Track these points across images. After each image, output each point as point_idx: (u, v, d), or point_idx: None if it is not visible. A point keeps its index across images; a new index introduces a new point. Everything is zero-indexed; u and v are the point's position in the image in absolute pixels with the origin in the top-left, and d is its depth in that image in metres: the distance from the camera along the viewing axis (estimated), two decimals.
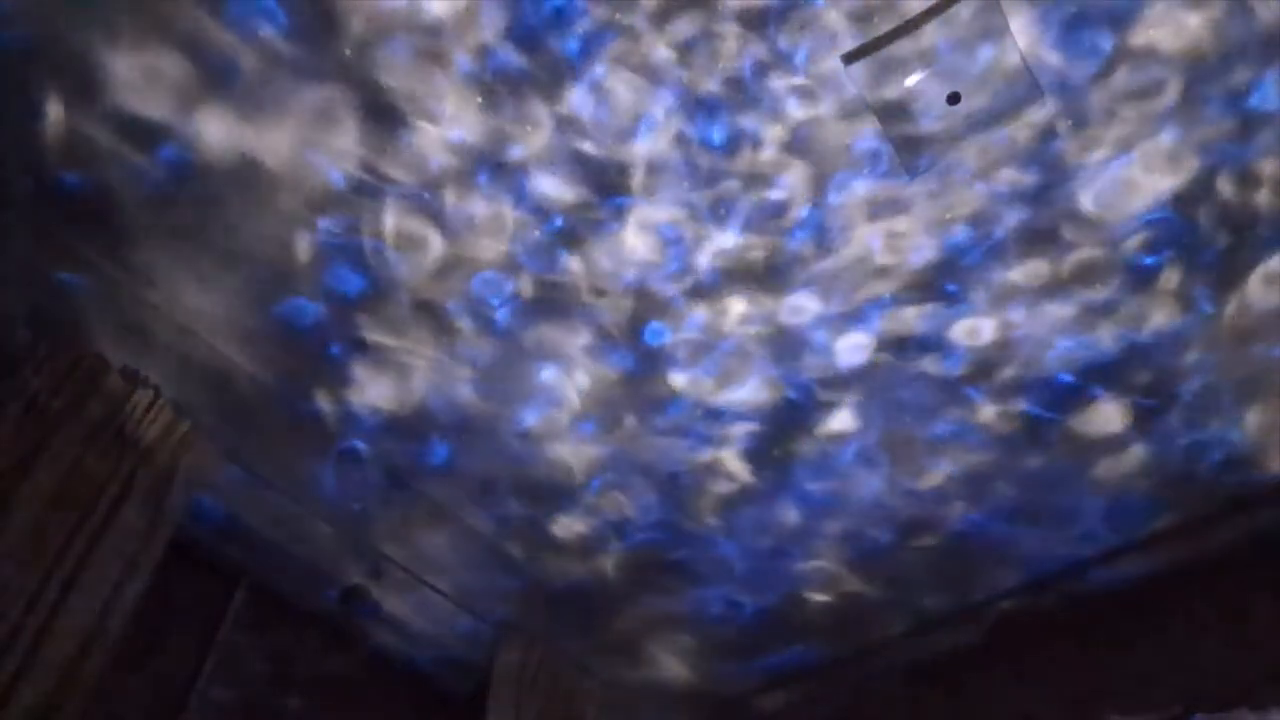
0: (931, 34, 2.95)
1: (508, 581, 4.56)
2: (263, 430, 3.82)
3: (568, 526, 4.35)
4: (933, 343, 3.69)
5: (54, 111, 2.94)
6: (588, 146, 3.22)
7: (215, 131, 3.07)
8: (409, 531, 4.29)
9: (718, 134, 3.21)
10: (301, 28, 2.91)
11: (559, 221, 3.40)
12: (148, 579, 3.17)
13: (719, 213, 3.39)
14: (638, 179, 3.31)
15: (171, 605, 3.76)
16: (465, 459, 4.06)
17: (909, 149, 3.20)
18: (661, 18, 2.97)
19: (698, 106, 3.15)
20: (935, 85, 3.07)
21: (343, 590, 4.32)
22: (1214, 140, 3.11)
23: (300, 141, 3.13)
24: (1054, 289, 3.51)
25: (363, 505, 4.13)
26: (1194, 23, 2.86)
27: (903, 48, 2.98)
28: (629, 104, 3.13)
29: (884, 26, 2.96)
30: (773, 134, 3.23)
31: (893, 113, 3.13)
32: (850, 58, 3.02)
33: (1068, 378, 3.72)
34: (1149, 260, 3.38)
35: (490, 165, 3.25)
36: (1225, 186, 3.19)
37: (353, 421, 3.87)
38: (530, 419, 3.95)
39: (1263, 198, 3.21)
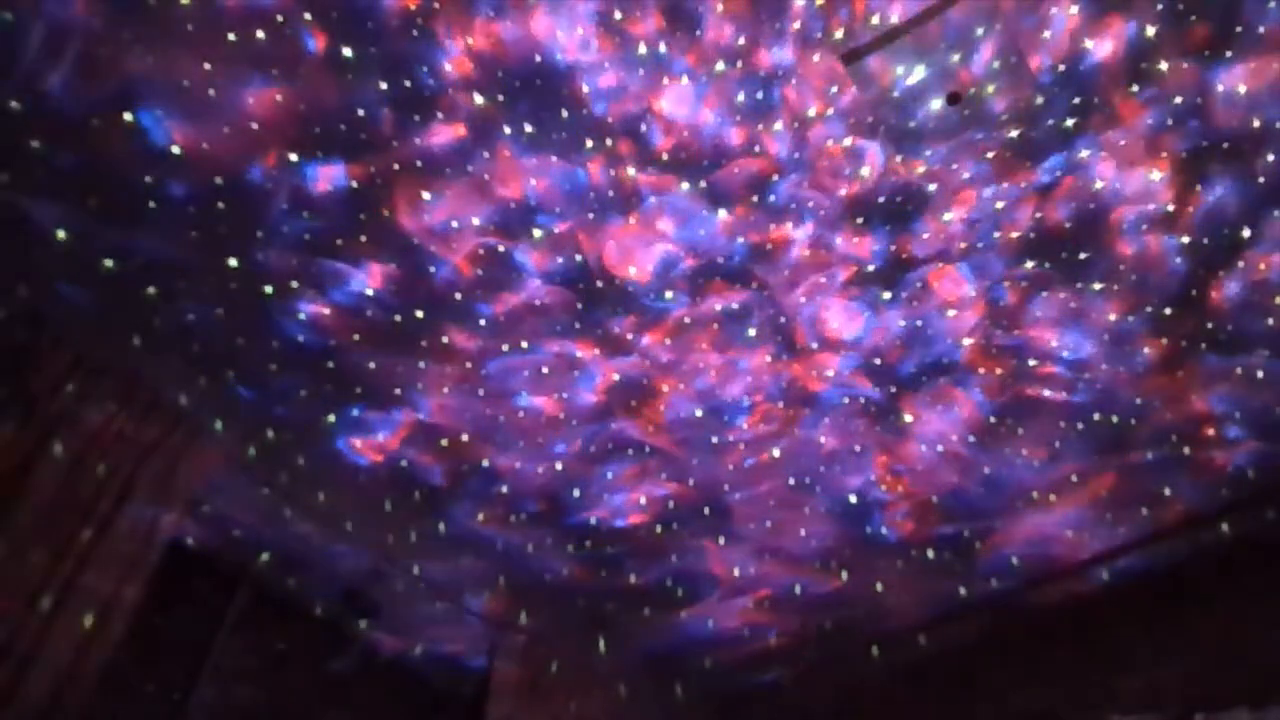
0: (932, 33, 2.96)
1: (509, 581, 4.56)
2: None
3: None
4: None
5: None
6: None
7: None
8: (411, 532, 4.29)
9: None
10: None
11: None
12: (148, 579, 3.18)
13: None
14: None
15: (171, 606, 3.76)
16: None
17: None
18: None
19: None
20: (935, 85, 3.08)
21: (344, 592, 4.32)
22: None
23: None
24: None
25: (365, 505, 4.13)
26: None
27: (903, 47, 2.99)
28: None
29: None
30: None
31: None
32: (849, 58, 3.02)
33: None
34: None
35: None
36: None
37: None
38: None
39: None
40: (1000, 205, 3.34)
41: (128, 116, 3.01)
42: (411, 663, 4.65)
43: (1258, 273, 3.40)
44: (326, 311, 3.56)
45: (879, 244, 3.47)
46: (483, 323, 3.64)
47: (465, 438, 3.99)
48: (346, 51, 2.94)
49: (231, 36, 2.88)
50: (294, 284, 3.47)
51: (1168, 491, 4.07)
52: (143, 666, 3.64)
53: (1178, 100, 3.07)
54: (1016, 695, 4.48)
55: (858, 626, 4.85)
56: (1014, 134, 3.18)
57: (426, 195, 3.28)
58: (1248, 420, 3.79)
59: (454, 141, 3.16)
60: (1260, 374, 3.65)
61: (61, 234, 3.25)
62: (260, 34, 2.88)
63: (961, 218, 3.38)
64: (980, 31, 2.97)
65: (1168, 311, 3.53)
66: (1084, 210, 3.33)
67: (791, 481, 4.21)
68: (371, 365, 3.73)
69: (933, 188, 3.32)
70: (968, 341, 3.70)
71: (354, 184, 3.23)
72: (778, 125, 3.18)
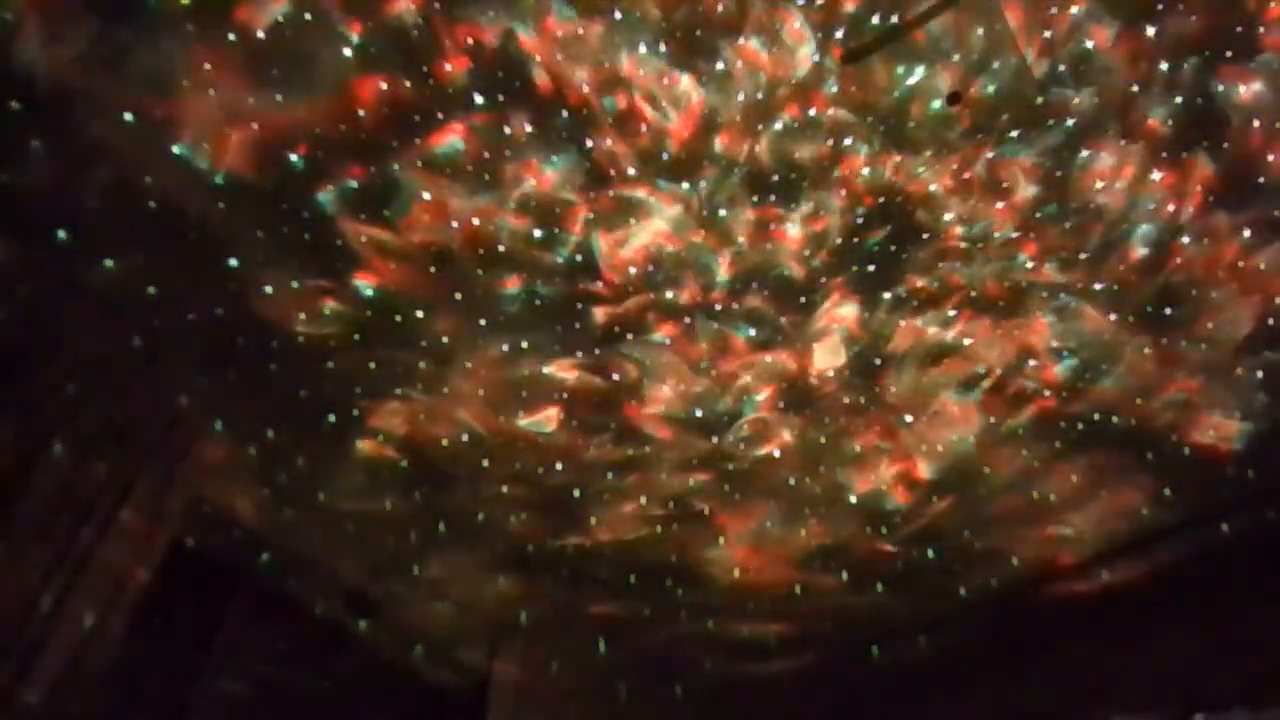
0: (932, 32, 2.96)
1: (509, 581, 4.57)
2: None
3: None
4: None
5: None
6: None
7: None
8: (411, 532, 4.29)
9: None
10: None
11: None
12: (149, 579, 3.18)
13: None
14: None
15: (172, 605, 3.76)
16: None
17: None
18: None
19: None
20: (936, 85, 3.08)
21: (344, 592, 4.32)
22: None
23: None
24: None
25: (365, 505, 4.13)
26: None
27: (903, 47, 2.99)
28: None
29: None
30: None
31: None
32: (849, 57, 3.01)
33: None
34: None
35: None
36: None
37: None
38: None
39: None
40: (1000, 205, 3.35)
41: (128, 117, 3.01)
42: (411, 663, 4.65)
43: (1257, 273, 3.40)
44: (326, 311, 3.57)
45: (878, 245, 3.47)
46: (483, 323, 3.64)
47: (465, 438, 3.99)
48: (347, 51, 2.94)
49: (231, 37, 2.88)
50: (294, 284, 3.47)
51: (1168, 492, 4.07)
52: (143, 666, 3.64)
53: (1178, 100, 3.07)
54: (1016, 695, 4.48)
55: (858, 626, 4.85)
56: (1014, 134, 3.18)
57: (426, 195, 3.28)
58: (1248, 420, 3.79)
59: (454, 142, 3.17)
60: (1260, 374, 3.65)
61: (62, 234, 3.25)
62: (260, 34, 2.88)
63: (961, 218, 3.39)
64: (980, 31, 2.97)
65: (1168, 311, 3.53)
66: (1085, 210, 3.33)
67: (791, 482, 4.21)
68: (372, 365, 3.73)
69: (933, 188, 3.32)
70: (967, 341, 3.70)
71: (354, 184, 3.23)
72: (777, 126, 3.19)
